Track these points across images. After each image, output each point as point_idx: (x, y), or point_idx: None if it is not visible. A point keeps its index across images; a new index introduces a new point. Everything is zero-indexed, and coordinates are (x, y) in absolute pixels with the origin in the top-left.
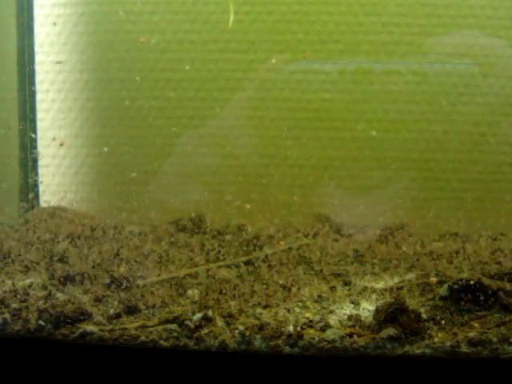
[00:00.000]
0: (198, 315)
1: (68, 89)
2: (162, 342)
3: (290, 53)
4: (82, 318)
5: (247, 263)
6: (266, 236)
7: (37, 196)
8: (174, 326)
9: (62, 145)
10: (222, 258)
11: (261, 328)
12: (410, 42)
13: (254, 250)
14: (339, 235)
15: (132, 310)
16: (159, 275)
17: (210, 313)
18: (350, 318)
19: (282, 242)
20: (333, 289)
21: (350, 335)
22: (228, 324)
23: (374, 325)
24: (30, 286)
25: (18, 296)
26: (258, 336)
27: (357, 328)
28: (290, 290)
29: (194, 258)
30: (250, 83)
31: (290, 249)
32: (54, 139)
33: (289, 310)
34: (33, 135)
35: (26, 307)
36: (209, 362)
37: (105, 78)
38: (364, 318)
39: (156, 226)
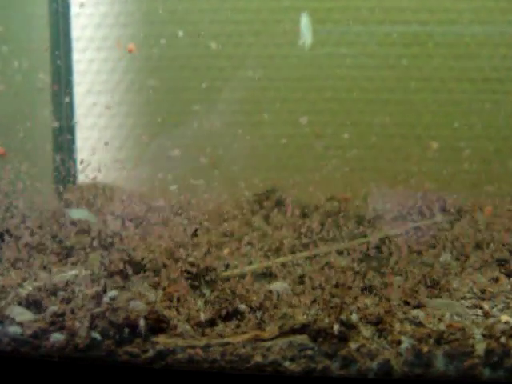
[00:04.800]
0: (336, 322)
1: (109, 47)
2: (287, 364)
3: None
4: (157, 327)
5: (364, 248)
6: (378, 214)
7: (74, 171)
8: (303, 339)
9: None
10: (328, 240)
11: (439, 340)
12: None
13: (371, 229)
14: (467, 212)
15: (231, 314)
16: (251, 263)
17: (353, 317)
18: None
19: (406, 221)
20: (495, 280)
21: None
22: (380, 333)
23: None
24: (73, 280)
25: (59, 295)
26: (439, 352)
27: None
28: (437, 282)
29: (289, 241)
30: (326, 37)
31: (418, 229)
32: (94, 104)
33: (458, 312)
34: (68, 101)
35: (72, 311)
36: None
37: (153, 33)
38: None
39: (228, 202)
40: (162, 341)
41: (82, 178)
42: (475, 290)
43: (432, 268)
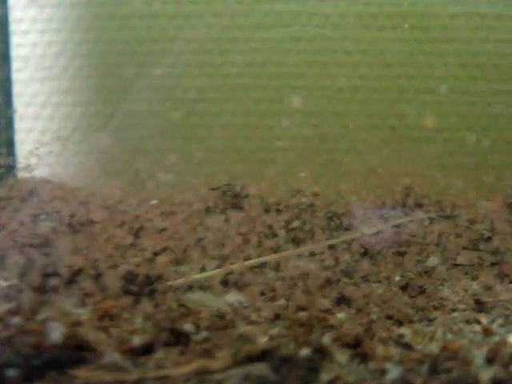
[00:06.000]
0: (305, 347)
1: (54, 29)
2: None
3: None
4: (77, 356)
5: (335, 249)
6: (353, 209)
7: (12, 166)
8: (263, 369)
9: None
10: (295, 242)
11: (433, 368)
12: None
13: (344, 229)
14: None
15: (173, 337)
16: (203, 270)
17: (325, 340)
18: None
19: (385, 219)
20: (488, 288)
21: None
22: (360, 359)
23: None
24: None
25: None
26: None
27: None
28: (423, 291)
29: (249, 243)
30: (292, 18)
31: (398, 227)
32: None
33: (451, 328)
34: (6, 89)
35: None
36: None
37: (103, 14)
38: None
39: (179, 198)
40: (83, 374)
41: (21, 173)
42: (466, 299)
43: (404, 272)
